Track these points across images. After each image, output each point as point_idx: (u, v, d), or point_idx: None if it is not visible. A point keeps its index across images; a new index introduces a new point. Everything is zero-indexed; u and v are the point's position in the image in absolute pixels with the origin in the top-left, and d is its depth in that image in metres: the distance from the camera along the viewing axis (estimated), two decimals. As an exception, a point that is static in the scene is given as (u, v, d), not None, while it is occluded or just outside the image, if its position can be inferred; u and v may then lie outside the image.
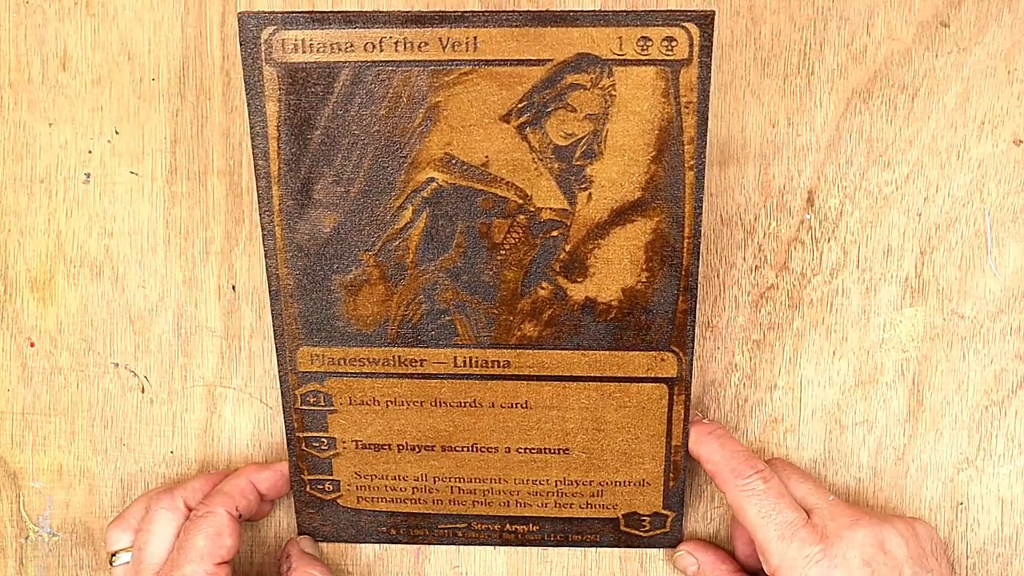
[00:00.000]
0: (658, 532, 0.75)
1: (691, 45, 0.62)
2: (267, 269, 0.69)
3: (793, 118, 0.72)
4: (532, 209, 0.66)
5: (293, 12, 0.63)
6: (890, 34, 0.71)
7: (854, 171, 0.72)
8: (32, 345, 0.77)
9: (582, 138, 0.65)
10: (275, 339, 0.70)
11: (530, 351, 0.70)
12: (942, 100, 0.72)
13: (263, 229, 0.68)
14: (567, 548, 0.77)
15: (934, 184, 0.72)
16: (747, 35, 0.71)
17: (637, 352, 0.69)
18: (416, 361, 0.70)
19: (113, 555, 0.72)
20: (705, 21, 0.62)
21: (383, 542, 0.77)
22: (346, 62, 0.64)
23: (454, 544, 0.77)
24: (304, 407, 0.72)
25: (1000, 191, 0.72)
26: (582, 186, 0.66)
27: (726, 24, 0.71)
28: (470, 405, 0.71)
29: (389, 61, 0.64)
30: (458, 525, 0.75)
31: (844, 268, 0.73)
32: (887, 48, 0.71)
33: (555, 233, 0.67)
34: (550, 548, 0.77)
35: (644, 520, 0.74)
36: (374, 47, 0.63)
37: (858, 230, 0.73)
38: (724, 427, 0.72)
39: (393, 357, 0.70)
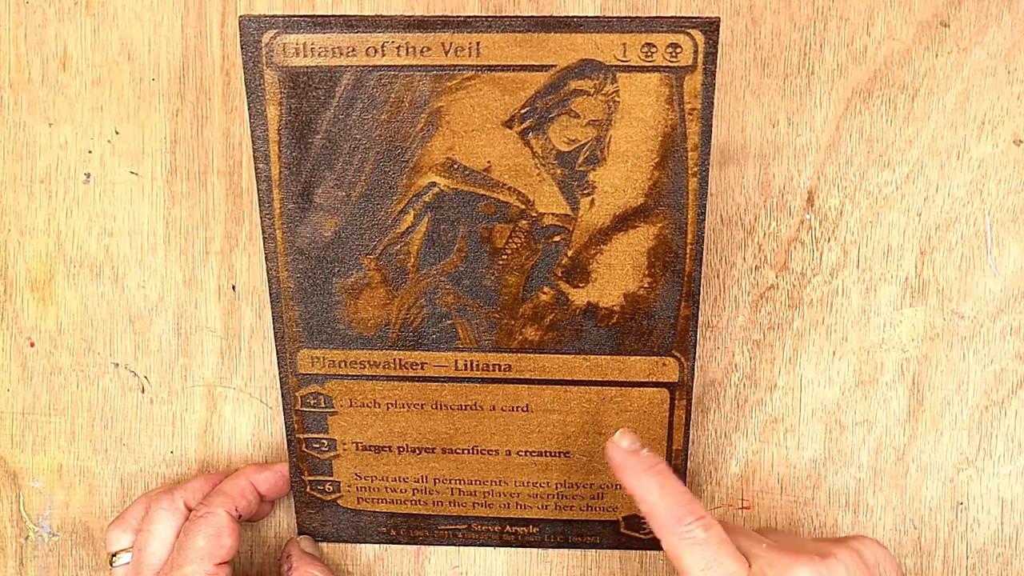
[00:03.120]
0: (658, 534, 0.75)
1: (696, 52, 0.62)
2: (268, 272, 0.69)
3: (793, 118, 0.72)
4: (534, 214, 0.66)
5: (294, 16, 0.63)
6: (890, 34, 0.71)
7: (854, 171, 0.72)
8: (32, 345, 0.77)
9: (585, 144, 0.65)
10: (276, 341, 0.70)
11: (531, 355, 0.70)
12: (942, 100, 0.71)
13: (264, 232, 0.68)
14: (567, 549, 0.77)
15: (934, 184, 0.72)
16: (747, 35, 0.71)
17: (639, 357, 0.69)
18: (417, 364, 0.70)
19: (113, 555, 0.72)
20: (710, 28, 0.61)
21: (383, 542, 0.77)
22: (348, 66, 0.64)
23: (454, 545, 0.77)
24: (304, 409, 0.72)
25: (1000, 191, 0.72)
26: (585, 192, 0.66)
27: (726, 24, 0.71)
28: (471, 408, 0.71)
29: (391, 66, 0.63)
30: (458, 526, 0.75)
31: (844, 268, 0.73)
32: (887, 48, 0.71)
33: (557, 238, 0.67)
34: (550, 549, 0.77)
35: (644, 523, 0.74)
36: (376, 51, 0.63)
37: (858, 230, 0.73)
38: (664, 462, 0.66)
39: (394, 360, 0.70)
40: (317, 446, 0.73)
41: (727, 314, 0.74)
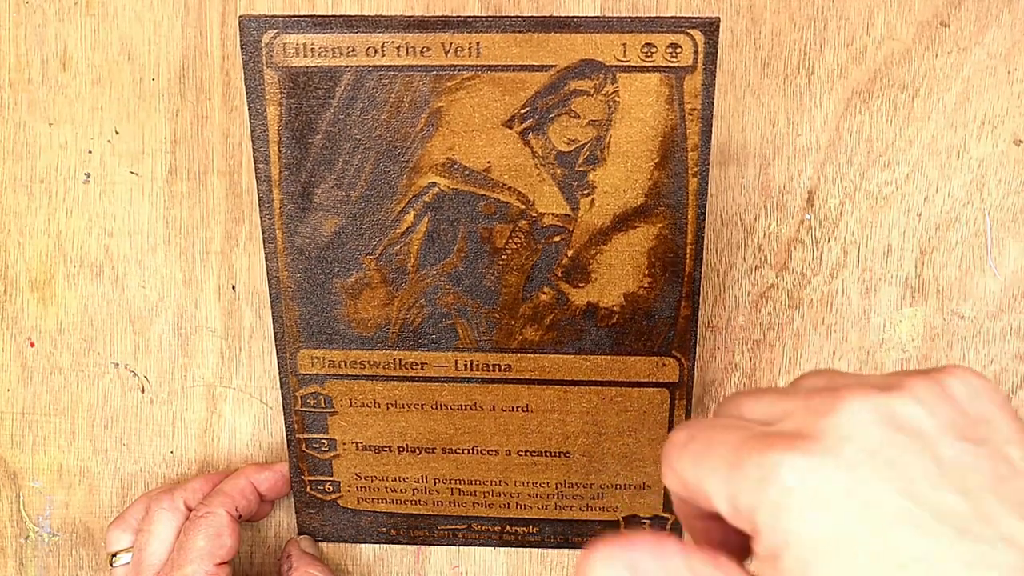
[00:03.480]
0: (658, 534, 0.75)
1: (696, 52, 0.62)
2: (268, 272, 0.69)
3: (793, 118, 0.72)
4: (534, 214, 0.66)
5: (295, 16, 0.63)
6: (890, 34, 0.71)
7: (854, 171, 0.72)
8: (32, 345, 0.77)
9: (585, 144, 0.65)
10: (276, 341, 0.70)
11: (531, 355, 0.70)
12: (942, 100, 0.71)
13: (264, 232, 0.68)
14: (567, 549, 0.77)
15: (934, 184, 0.72)
16: (747, 35, 0.71)
17: (639, 357, 0.69)
18: (417, 364, 0.70)
19: (113, 556, 0.72)
20: (710, 28, 0.61)
21: (383, 542, 0.77)
22: (348, 66, 0.64)
23: (454, 545, 0.77)
24: (304, 409, 0.72)
25: (1000, 191, 0.72)
26: (585, 192, 0.66)
27: (726, 24, 0.71)
28: (471, 408, 0.71)
29: (391, 66, 0.64)
30: (458, 526, 0.75)
31: (844, 268, 0.73)
32: (887, 48, 0.71)
33: (557, 238, 0.67)
34: (550, 549, 0.77)
35: (644, 523, 0.74)
36: (376, 52, 0.63)
37: (858, 230, 0.73)
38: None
39: (394, 360, 0.70)
40: (317, 446, 0.73)
41: (727, 314, 0.74)
